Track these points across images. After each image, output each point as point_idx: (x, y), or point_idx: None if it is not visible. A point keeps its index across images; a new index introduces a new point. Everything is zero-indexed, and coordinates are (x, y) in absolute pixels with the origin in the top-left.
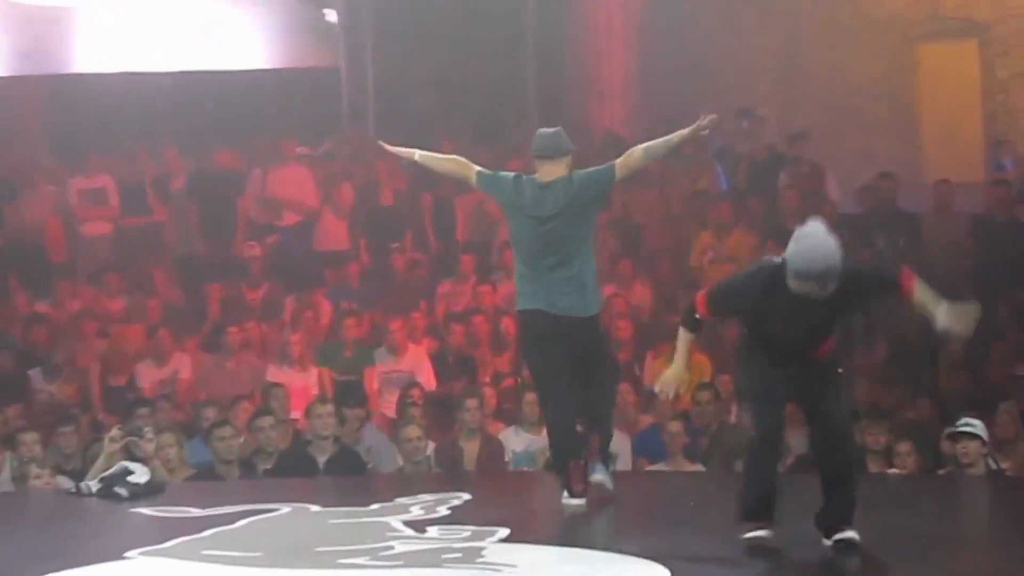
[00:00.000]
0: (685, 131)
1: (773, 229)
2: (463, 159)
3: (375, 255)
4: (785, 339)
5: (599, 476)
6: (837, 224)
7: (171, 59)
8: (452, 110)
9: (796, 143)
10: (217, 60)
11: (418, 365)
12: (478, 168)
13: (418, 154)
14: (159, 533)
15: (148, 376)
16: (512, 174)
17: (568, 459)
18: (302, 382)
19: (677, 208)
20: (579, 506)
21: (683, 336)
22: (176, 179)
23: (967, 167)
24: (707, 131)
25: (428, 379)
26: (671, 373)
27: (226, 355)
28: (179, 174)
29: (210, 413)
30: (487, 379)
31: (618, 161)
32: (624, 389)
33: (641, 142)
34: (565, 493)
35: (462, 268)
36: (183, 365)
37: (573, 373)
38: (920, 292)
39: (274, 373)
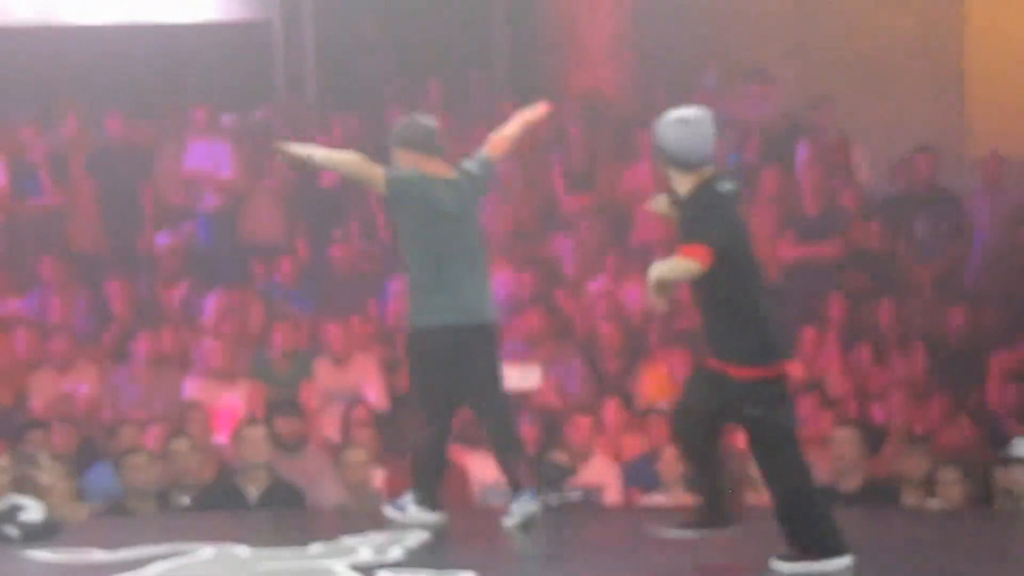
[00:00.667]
0: (528, 113)
1: (790, 212)
2: (364, 158)
3: (314, 246)
4: None
5: (532, 506)
6: (867, 206)
7: (71, 11)
8: (406, 73)
9: (818, 110)
10: (127, 12)
11: (365, 378)
12: (382, 170)
13: (317, 153)
14: None
15: (43, 392)
16: (414, 172)
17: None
18: (228, 400)
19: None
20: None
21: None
22: (76, 155)
23: (1022, 140)
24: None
25: (378, 394)
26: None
27: (136, 367)
28: (80, 149)
29: (120, 436)
30: None
31: (491, 154)
32: (613, 407)
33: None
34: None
35: None
36: (85, 379)
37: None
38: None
39: (194, 388)
